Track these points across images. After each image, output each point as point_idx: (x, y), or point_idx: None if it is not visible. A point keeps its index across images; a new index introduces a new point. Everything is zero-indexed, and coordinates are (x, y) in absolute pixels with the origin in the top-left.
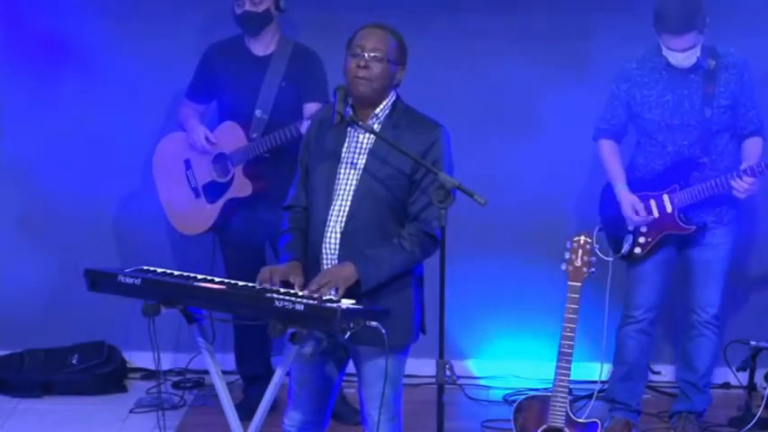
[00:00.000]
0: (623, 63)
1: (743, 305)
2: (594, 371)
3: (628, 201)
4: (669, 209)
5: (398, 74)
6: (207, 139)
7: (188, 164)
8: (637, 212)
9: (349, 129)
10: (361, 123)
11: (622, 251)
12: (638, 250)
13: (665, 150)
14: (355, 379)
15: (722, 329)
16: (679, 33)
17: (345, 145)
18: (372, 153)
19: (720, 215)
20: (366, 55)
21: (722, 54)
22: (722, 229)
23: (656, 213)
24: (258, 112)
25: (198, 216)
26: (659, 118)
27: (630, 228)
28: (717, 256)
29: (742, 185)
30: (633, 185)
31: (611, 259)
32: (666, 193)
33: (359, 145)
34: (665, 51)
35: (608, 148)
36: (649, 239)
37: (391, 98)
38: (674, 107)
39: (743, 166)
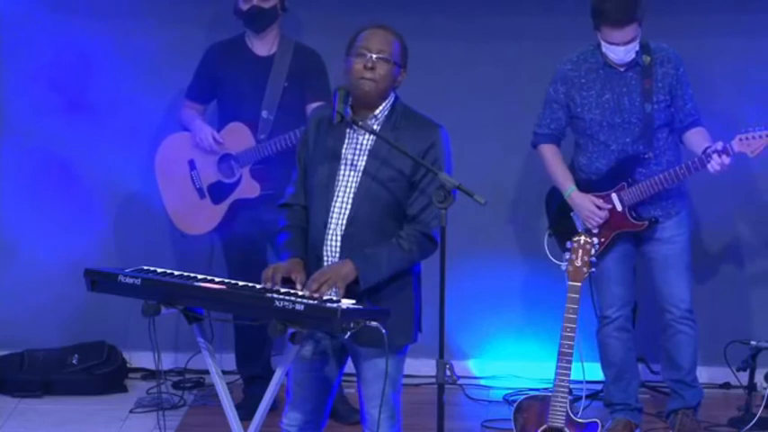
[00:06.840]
0: (558, 66)
1: (743, 305)
2: (595, 371)
3: (585, 201)
4: (619, 207)
5: (400, 76)
6: (214, 139)
7: (192, 164)
8: (599, 208)
9: (348, 129)
10: (361, 124)
11: None
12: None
13: (608, 150)
14: (355, 379)
15: (697, 322)
16: (620, 26)
17: (345, 146)
18: (372, 154)
19: (667, 208)
20: (372, 56)
21: (655, 49)
22: (672, 221)
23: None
24: (264, 113)
25: (203, 216)
26: (600, 117)
27: (581, 230)
28: (674, 249)
29: (720, 162)
30: (580, 187)
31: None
32: (615, 191)
33: (359, 146)
34: (604, 48)
35: (551, 153)
36: (602, 239)
37: (390, 99)
38: (614, 105)
39: (712, 148)
